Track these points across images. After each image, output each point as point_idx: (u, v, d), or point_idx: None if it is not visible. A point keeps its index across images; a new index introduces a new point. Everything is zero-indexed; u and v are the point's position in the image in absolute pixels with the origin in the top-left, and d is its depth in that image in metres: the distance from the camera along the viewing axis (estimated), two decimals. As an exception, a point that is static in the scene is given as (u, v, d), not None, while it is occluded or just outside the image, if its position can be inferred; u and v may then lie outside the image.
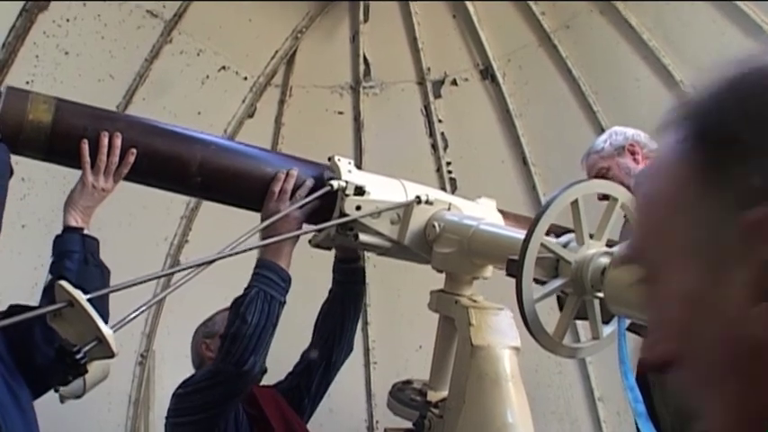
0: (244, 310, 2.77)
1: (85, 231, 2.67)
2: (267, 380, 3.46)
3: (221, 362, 2.87)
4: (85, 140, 2.59)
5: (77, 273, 2.55)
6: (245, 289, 2.82)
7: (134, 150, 2.62)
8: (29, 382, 2.51)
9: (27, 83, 4.70)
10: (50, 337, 2.51)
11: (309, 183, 2.78)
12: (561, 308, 2.02)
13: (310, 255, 2.97)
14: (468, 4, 5.75)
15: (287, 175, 2.77)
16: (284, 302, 2.84)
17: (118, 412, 5.37)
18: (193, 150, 2.71)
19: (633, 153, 3.42)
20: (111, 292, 2.56)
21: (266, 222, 2.59)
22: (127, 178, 2.70)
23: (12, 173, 2.48)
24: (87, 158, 2.60)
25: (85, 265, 2.61)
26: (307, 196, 2.70)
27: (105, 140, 2.60)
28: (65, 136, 2.58)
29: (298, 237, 2.78)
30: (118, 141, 2.61)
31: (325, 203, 2.65)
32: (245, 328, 2.76)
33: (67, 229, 2.66)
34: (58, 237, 2.67)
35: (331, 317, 3.30)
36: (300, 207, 2.64)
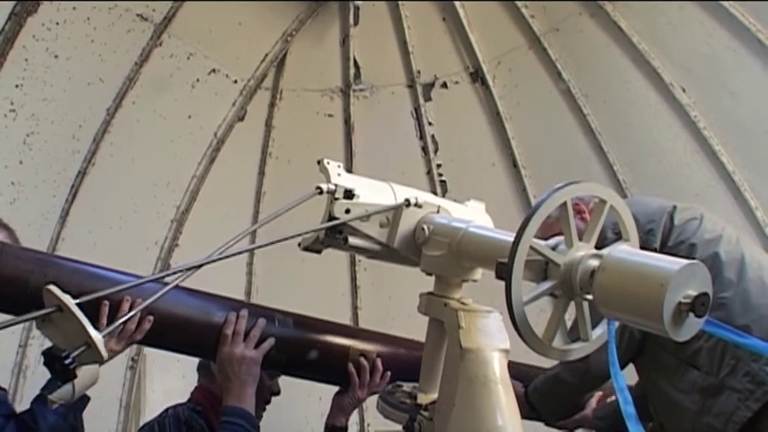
0: None
1: None
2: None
3: None
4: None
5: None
6: None
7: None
8: None
9: (17, 86, 4.70)
10: None
11: (261, 322, 2.85)
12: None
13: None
14: (457, 6, 5.77)
15: (237, 316, 2.82)
16: None
17: (109, 417, 5.34)
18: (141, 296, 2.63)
19: (580, 212, 3.37)
20: (103, 297, 2.56)
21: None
22: None
23: None
24: None
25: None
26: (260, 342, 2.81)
27: None
28: (8, 280, 2.52)
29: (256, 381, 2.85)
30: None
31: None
32: None
33: None
34: None
35: None
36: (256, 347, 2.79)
